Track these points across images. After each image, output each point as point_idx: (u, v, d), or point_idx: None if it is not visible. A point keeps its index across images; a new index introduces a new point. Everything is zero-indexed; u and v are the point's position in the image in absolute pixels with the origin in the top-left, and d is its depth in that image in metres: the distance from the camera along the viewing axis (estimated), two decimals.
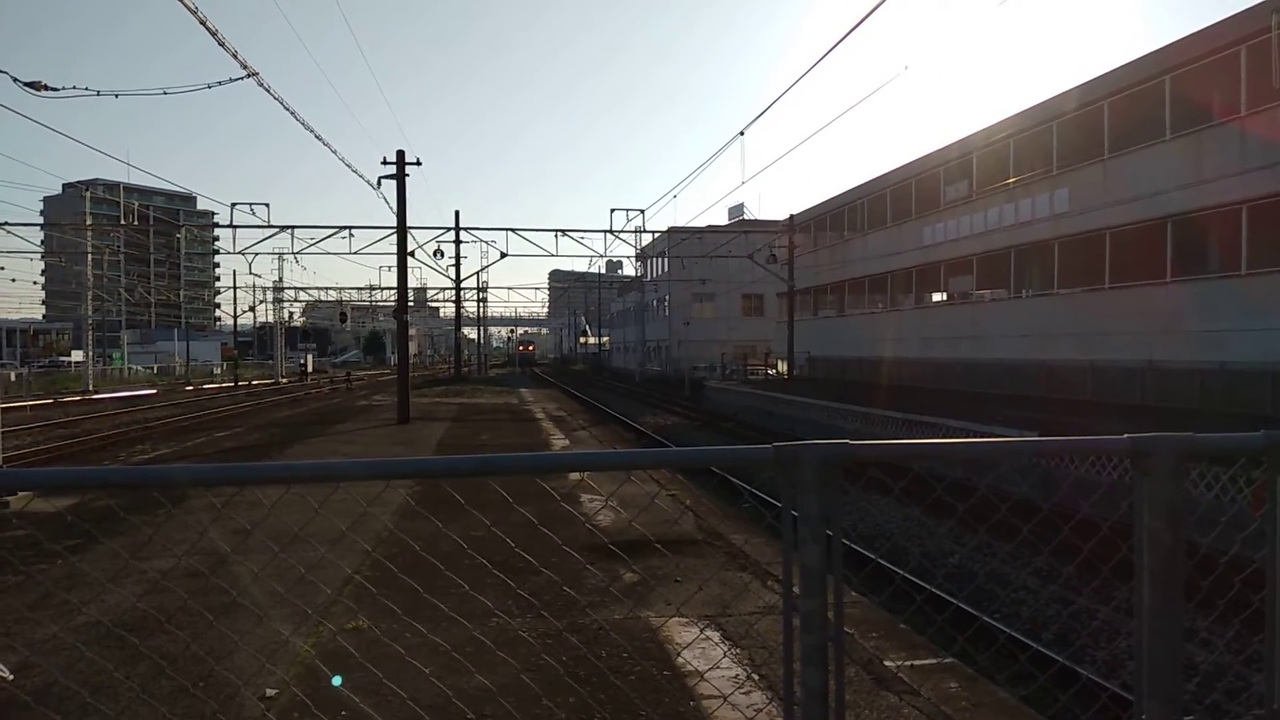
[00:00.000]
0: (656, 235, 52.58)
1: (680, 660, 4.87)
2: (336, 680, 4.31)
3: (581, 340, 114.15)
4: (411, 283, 44.86)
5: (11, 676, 4.51)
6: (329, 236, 35.36)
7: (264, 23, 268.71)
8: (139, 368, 78.31)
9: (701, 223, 50.99)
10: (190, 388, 51.51)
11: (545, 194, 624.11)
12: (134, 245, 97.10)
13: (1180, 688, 2.34)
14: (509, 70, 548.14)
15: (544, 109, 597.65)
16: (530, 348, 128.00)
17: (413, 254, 28.49)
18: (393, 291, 48.50)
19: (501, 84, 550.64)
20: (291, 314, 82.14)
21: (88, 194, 47.42)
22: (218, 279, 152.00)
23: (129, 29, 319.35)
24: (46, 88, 16.27)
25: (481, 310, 78.04)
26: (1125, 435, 2.34)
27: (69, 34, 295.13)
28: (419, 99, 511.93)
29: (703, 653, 4.99)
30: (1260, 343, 17.96)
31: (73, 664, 4.76)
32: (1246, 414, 17.16)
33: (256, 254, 58.97)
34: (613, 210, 58.48)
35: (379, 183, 23.11)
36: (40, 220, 77.17)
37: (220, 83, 15.57)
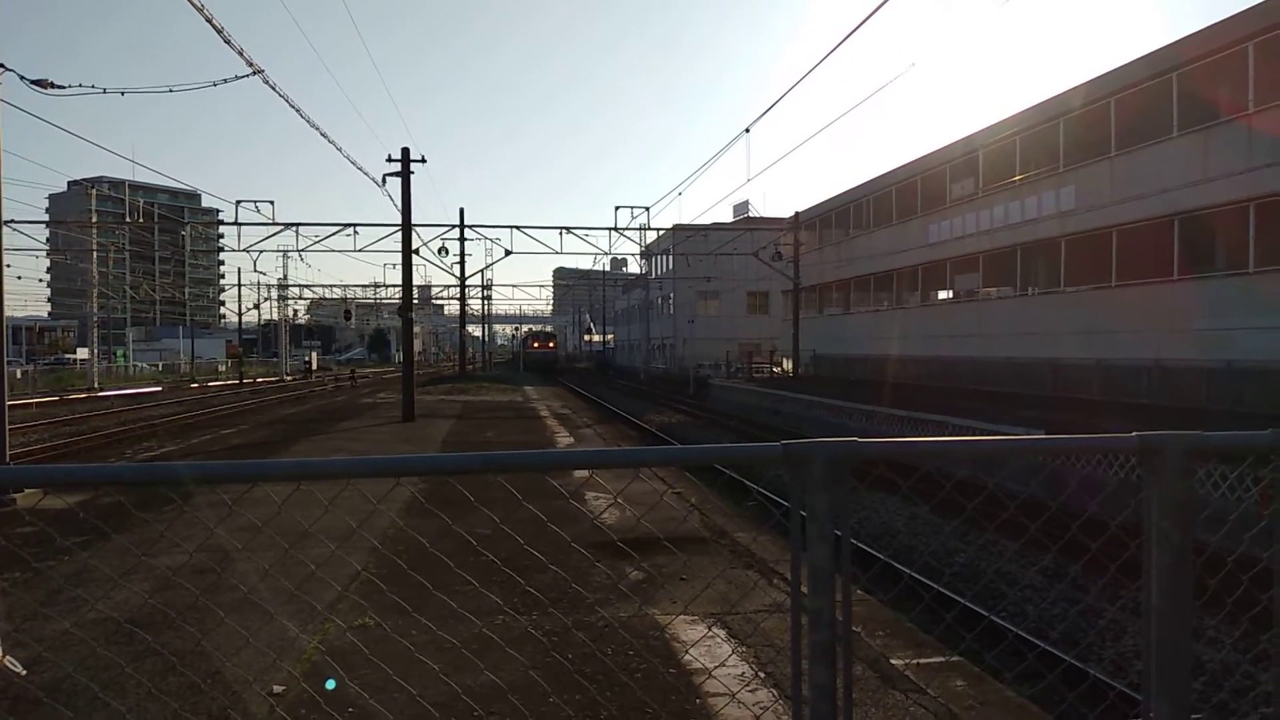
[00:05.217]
0: (661, 233, 52.61)
1: (687, 658, 4.87)
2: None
3: (586, 338, 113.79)
4: (416, 280, 44.98)
5: (24, 672, 4.53)
6: (334, 234, 35.48)
7: (263, 13, 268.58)
8: (144, 365, 78.59)
9: (707, 220, 51.03)
10: (195, 385, 51.59)
11: (549, 185, 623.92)
12: (139, 243, 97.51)
13: (1188, 687, 2.34)
14: (510, 62, 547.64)
15: (554, 94, 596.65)
16: (551, 345, 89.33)
17: (417, 251, 28.54)
18: (397, 289, 48.59)
19: (502, 75, 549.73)
20: (296, 311, 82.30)
21: (93, 192, 47.56)
22: (222, 276, 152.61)
23: (126, 21, 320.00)
24: (53, 85, 16.29)
25: (486, 308, 78.11)
26: (1134, 433, 2.33)
27: (64, 26, 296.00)
28: (421, 89, 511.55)
29: (709, 650, 5.00)
30: (1267, 341, 17.90)
31: (83, 660, 4.79)
32: (1253, 412, 17.12)
33: (261, 251, 59.16)
34: (617, 208, 59.03)
35: (384, 180, 23.17)
36: (46, 218, 77.41)
37: (226, 80, 15.60)
